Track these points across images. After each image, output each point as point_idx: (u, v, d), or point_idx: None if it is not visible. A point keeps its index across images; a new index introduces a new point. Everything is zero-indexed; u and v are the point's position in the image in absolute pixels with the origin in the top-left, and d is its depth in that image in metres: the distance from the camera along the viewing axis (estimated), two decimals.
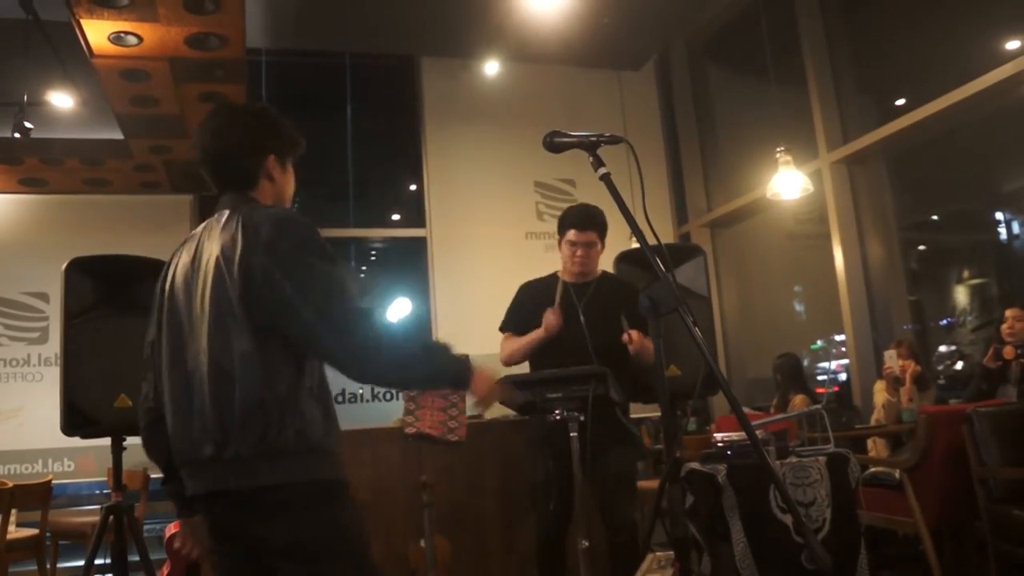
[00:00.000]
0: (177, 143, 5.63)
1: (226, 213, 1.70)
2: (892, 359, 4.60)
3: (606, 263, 3.38)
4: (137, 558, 3.15)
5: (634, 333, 2.84)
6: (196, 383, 1.61)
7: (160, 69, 4.65)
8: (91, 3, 3.95)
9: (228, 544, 1.66)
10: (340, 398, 6.42)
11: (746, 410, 2.65)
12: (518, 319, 3.16)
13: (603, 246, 3.15)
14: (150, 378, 1.78)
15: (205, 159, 1.78)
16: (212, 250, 1.65)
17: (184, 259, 1.73)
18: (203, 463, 1.59)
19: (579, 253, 3.07)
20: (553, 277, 3.20)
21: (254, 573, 1.63)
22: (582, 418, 2.48)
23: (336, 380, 1.67)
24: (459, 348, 1.72)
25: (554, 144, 1.83)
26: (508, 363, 3.13)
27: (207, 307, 1.62)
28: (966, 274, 6.53)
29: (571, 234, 3.08)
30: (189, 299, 1.67)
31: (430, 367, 1.65)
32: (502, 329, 3.21)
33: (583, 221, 3.08)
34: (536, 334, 3.00)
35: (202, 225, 1.77)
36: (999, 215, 6.29)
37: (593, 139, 1.78)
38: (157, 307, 1.77)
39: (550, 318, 2.94)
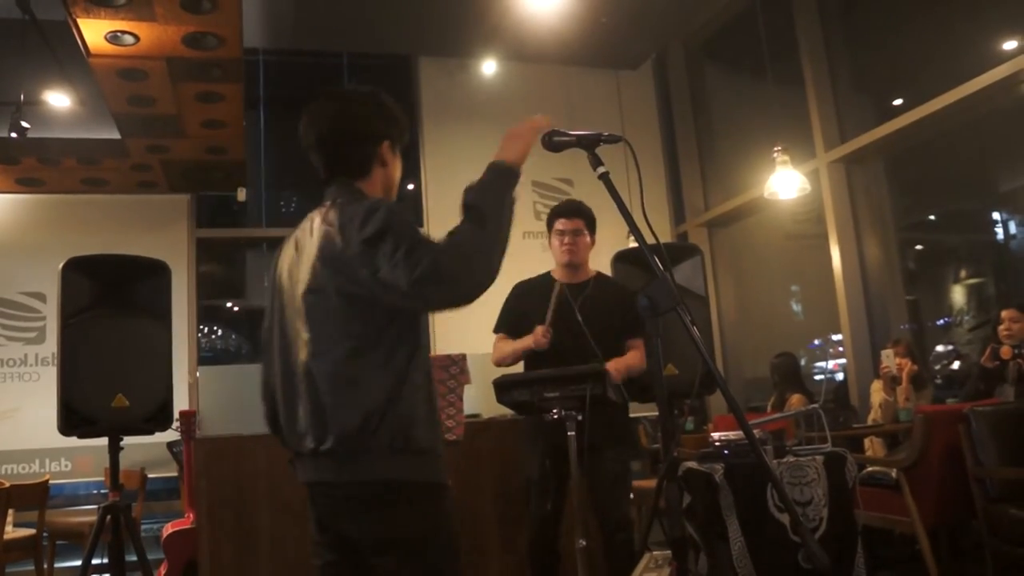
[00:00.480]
0: (174, 142, 5.62)
1: (327, 205, 1.70)
2: (889, 358, 4.60)
3: (604, 263, 3.38)
4: (134, 558, 3.15)
5: (610, 365, 2.77)
6: (298, 378, 1.64)
7: (157, 68, 4.64)
8: (88, 2, 3.94)
9: (327, 535, 1.69)
10: None
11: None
12: (510, 320, 3.16)
13: (593, 241, 3.16)
14: (265, 365, 1.80)
15: (319, 144, 1.75)
16: (311, 247, 1.66)
17: (289, 252, 1.74)
18: (306, 455, 1.63)
19: (567, 240, 3.10)
20: (546, 276, 3.19)
21: (351, 566, 1.66)
22: (580, 417, 2.48)
23: None
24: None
25: (553, 143, 1.83)
26: (499, 364, 3.13)
27: (303, 304, 1.64)
28: (963, 274, 6.55)
29: (558, 223, 3.13)
30: (293, 294, 1.69)
31: (493, 220, 1.62)
32: (495, 330, 3.22)
33: (568, 210, 3.14)
34: (525, 343, 2.99)
35: (307, 217, 1.76)
36: (996, 215, 6.32)
37: (592, 138, 1.78)
38: (269, 296, 1.80)
39: (540, 337, 2.93)
